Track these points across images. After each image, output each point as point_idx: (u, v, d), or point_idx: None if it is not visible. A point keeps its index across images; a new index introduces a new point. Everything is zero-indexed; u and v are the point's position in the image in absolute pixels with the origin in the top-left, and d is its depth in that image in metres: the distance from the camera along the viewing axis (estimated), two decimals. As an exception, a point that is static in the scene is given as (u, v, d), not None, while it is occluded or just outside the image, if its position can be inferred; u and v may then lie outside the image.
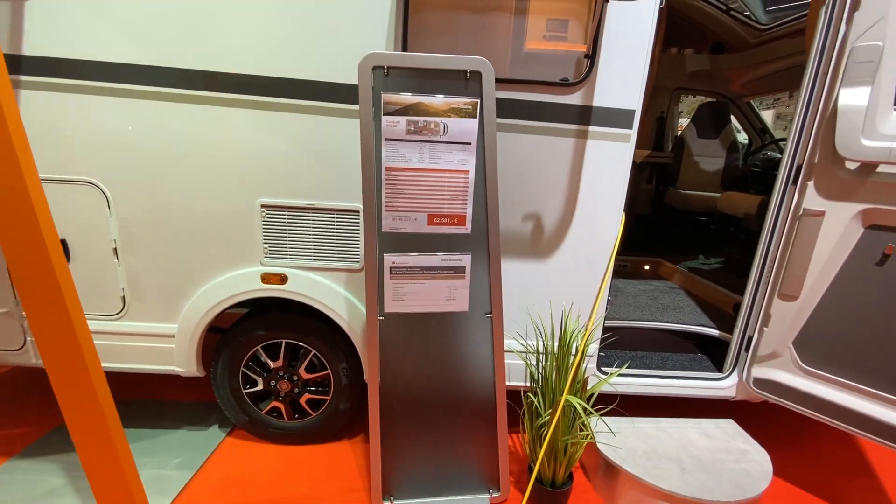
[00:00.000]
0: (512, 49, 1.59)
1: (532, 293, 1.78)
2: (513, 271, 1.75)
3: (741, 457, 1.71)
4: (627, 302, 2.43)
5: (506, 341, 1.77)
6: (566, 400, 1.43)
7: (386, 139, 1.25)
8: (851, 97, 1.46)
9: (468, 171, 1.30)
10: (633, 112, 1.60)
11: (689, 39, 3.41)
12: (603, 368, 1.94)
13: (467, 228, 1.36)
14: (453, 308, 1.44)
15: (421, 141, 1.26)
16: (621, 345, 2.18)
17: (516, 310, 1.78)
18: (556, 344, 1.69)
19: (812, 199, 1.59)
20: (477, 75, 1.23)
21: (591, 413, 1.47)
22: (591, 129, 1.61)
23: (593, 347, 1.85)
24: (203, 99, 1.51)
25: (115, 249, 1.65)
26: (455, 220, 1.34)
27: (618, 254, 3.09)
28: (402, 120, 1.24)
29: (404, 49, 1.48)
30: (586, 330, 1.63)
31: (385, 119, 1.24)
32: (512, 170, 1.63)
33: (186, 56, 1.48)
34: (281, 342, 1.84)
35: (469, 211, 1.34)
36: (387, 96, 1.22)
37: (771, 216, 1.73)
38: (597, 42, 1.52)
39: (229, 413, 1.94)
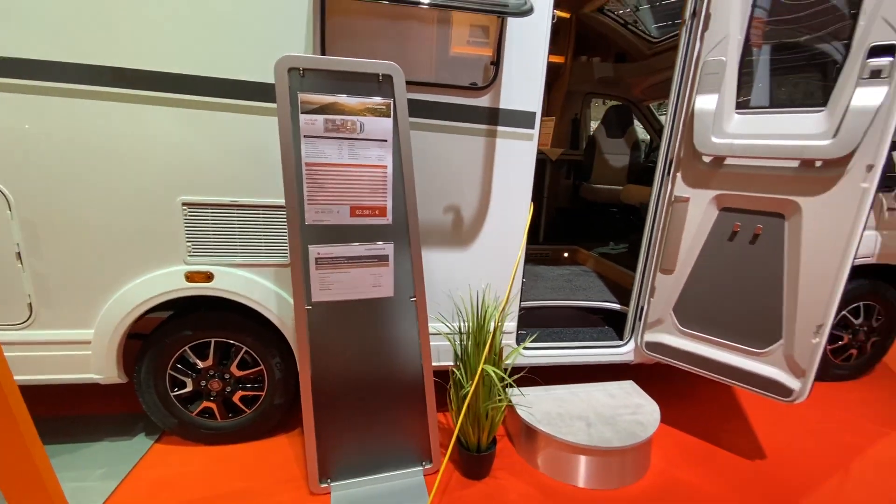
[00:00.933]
0: (430, 55, 1.74)
1: (456, 278, 1.94)
2: (438, 259, 1.90)
3: (636, 410, 1.99)
4: (546, 285, 2.69)
5: (434, 324, 1.91)
6: (483, 369, 1.60)
7: (305, 136, 1.33)
8: (704, 103, 1.77)
9: (386, 167, 1.42)
10: (534, 114, 1.81)
11: (597, 49, 3.79)
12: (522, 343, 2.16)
13: (388, 219, 1.48)
14: (379, 294, 1.55)
15: (339, 138, 1.36)
16: (539, 322, 2.42)
17: (442, 294, 1.93)
18: (494, 325, 1.86)
19: (680, 188, 1.90)
20: (389, 78, 1.36)
21: (506, 380, 1.66)
22: (500, 129, 1.80)
23: (511, 325, 2.05)
24: (115, 96, 1.49)
25: (19, 254, 1.56)
26: (376, 212, 1.46)
27: (540, 243, 3.39)
28: (320, 118, 1.33)
29: (322, 51, 1.57)
30: (501, 307, 1.82)
31: (303, 117, 1.32)
32: (433, 165, 1.78)
33: (93, 51, 1.45)
34: (210, 341, 1.84)
35: (389, 203, 1.46)
36: (303, 96, 1.30)
37: (653, 204, 2.04)
38: (500, 50, 1.71)
39: (157, 418, 1.89)
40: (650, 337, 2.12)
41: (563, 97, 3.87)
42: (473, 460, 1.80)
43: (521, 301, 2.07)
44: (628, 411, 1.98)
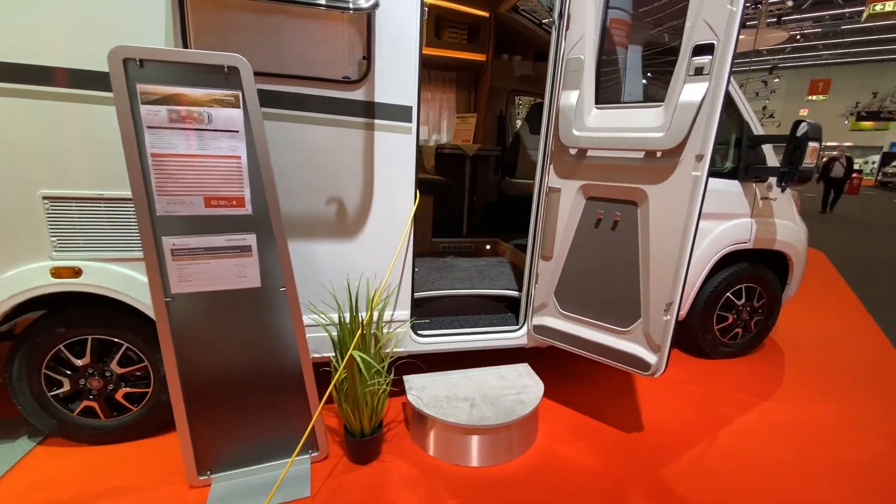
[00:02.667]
0: (302, 48, 1.76)
1: (343, 269, 1.98)
2: (324, 250, 1.93)
3: (522, 390, 2.10)
4: (457, 276, 2.77)
5: (316, 315, 1.94)
6: (352, 355, 1.65)
7: (148, 127, 1.34)
8: (567, 98, 1.89)
9: (240, 157, 1.44)
10: (410, 108, 1.87)
11: (517, 48, 3.91)
12: (420, 332, 2.22)
13: (248, 210, 1.50)
14: (245, 284, 1.57)
15: (187, 129, 1.37)
16: (444, 311, 2.50)
17: (329, 285, 1.97)
18: (363, 313, 1.91)
19: (552, 179, 2.01)
20: (235, 70, 1.38)
21: (374, 366, 1.71)
22: (377, 122, 1.85)
23: (402, 314, 2.11)
24: (-48, 86, 1.44)
25: None
26: (234, 203, 1.47)
27: (463, 236, 3.48)
28: (163, 109, 1.33)
29: (185, 44, 1.57)
30: (374, 296, 1.87)
31: (144, 108, 1.32)
32: (313, 157, 1.81)
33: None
34: (87, 338, 1.81)
35: (247, 193, 1.48)
36: (143, 87, 1.31)
37: (535, 195, 2.14)
38: (371, 45, 1.76)
39: (35, 420, 1.84)
40: (537, 321, 2.23)
41: (486, 95, 3.98)
42: (358, 445, 1.85)
43: (413, 290, 2.13)
44: (514, 392, 2.08)
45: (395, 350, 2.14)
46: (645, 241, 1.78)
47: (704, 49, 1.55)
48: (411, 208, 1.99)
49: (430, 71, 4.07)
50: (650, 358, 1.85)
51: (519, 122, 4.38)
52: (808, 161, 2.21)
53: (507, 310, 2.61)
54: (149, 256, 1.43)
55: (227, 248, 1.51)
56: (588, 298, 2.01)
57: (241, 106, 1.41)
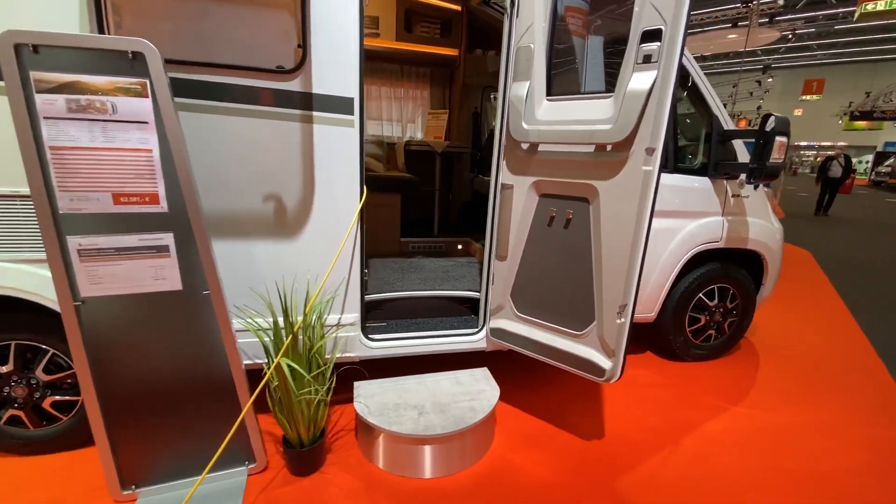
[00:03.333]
0: (232, 36, 1.67)
1: (283, 271, 1.88)
2: (263, 251, 1.83)
3: (476, 396, 2.00)
4: (419, 276, 2.67)
5: (254, 320, 1.84)
6: (282, 363, 1.55)
7: (45, 118, 1.23)
8: (518, 90, 1.79)
9: (151, 150, 1.34)
10: (352, 99, 1.77)
11: (491, 43, 3.81)
12: (372, 336, 2.12)
13: (163, 207, 1.40)
14: (164, 287, 1.47)
15: (89, 119, 1.27)
16: (402, 314, 2.40)
17: (267, 287, 1.87)
18: (302, 317, 1.81)
19: (505, 175, 1.92)
20: (141, 56, 1.28)
21: (302, 374, 1.60)
22: (316, 114, 1.75)
23: (350, 317, 2.01)
24: None
25: None
26: (146, 199, 1.37)
27: (435, 236, 3.38)
28: (60, 98, 1.23)
29: (101, 30, 1.47)
30: (311, 299, 1.77)
31: (40, 97, 1.22)
32: (248, 152, 1.71)
33: None
34: (9, 344, 1.70)
35: (161, 189, 1.38)
36: (37, 74, 1.21)
37: (491, 192, 2.05)
38: (306, 33, 1.66)
39: None
40: (494, 323, 2.14)
41: (460, 91, 3.88)
42: (296, 456, 1.74)
43: (364, 292, 2.03)
44: (467, 398, 1.98)
45: (344, 355, 2.05)
46: (597, 241, 1.69)
47: (653, 35, 1.45)
48: (356, 206, 1.89)
49: (403, 66, 3.97)
50: (605, 363, 1.76)
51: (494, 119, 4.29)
52: (777, 156, 2.12)
53: (471, 312, 2.51)
54: (52, 257, 1.33)
55: (141, 248, 1.41)
56: (544, 301, 1.92)
57: (150, 95, 1.31)
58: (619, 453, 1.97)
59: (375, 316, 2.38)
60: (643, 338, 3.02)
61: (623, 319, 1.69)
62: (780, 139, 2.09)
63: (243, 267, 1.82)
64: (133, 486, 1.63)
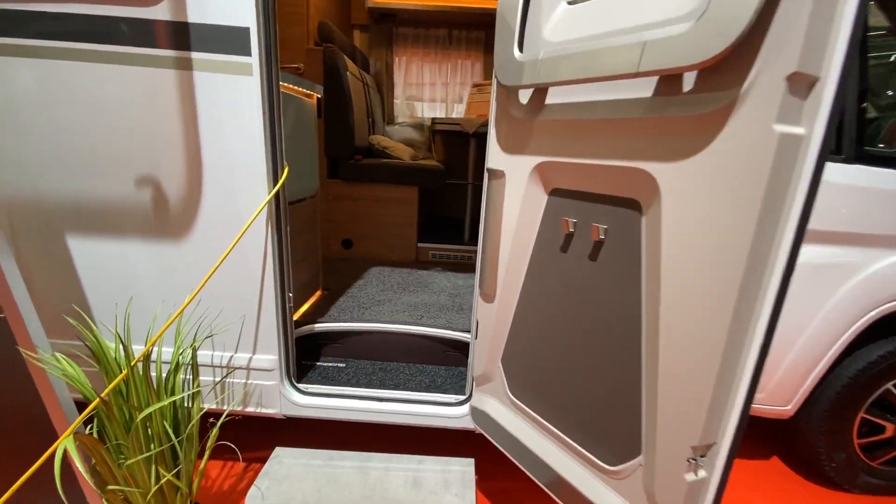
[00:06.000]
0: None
1: (169, 286, 1.32)
2: (144, 257, 1.30)
3: (431, 519, 1.22)
4: (415, 300, 1.94)
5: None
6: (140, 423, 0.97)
7: None
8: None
9: None
10: (247, 30, 1.12)
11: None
12: (303, 388, 1.48)
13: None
14: (-64, 304, 1.00)
15: None
16: (368, 352, 1.71)
17: (147, 309, 1.33)
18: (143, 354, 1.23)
19: (493, 154, 1.08)
20: None
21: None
22: (195, 56, 1.14)
23: (266, 358, 1.38)
24: None
25: None
26: None
27: (465, 243, 2.61)
28: None
29: None
30: (157, 335, 1.15)
31: None
32: (98, 114, 1.18)
33: None
34: None
35: None
36: None
37: (484, 186, 1.22)
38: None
39: None
40: (477, 400, 1.32)
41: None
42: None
43: (287, 322, 1.39)
44: (414, 520, 1.21)
45: (258, 410, 1.44)
46: (654, 292, 0.78)
47: None
48: (266, 194, 1.24)
49: (452, 30, 3.22)
50: (654, 545, 0.84)
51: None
52: None
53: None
54: None
55: None
56: (550, 384, 1.05)
57: None
58: None
59: (332, 352, 1.73)
60: (765, 428, 1.88)
61: (703, 474, 0.76)
62: None
63: (118, 278, 1.31)
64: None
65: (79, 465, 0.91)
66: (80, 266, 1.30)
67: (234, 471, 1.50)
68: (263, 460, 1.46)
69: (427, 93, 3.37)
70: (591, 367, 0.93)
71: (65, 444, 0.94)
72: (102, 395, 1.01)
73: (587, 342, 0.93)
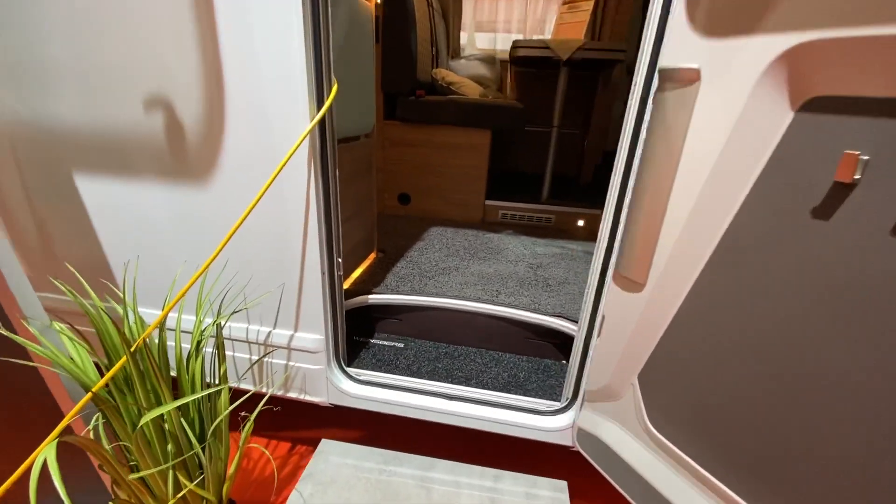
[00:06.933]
0: None
1: (191, 241, 1.04)
2: (162, 203, 1.02)
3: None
4: (484, 270, 1.58)
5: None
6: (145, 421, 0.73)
7: None
8: None
9: None
10: None
11: None
12: (354, 373, 1.19)
13: None
14: None
15: None
16: (431, 331, 1.39)
17: (162, 272, 1.06)
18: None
19: (677, 45, 0.63)
20: None
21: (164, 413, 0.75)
22: None
23: (312, 339, 1.09)
24: None
25: None
26: None
27: (542, 202, 2.17)
28: None
29: None
30: (175, 300, 0.85)
31: None
32: (91, 18, 0.85)
33: None
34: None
35: None
36: None
37: (635, 108, 0.78)
38: None
39: None
40: (587, 420, 0.95)
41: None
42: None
43: (337, 294, 1.08)
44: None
45: (301, 396, 1.17)
46: None
47: None
48: (308, 121, 0.88)
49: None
50: None
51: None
52: None
53: (562, 356, 1.35)
54: None
55: None
56: (748, 432, 0.66)
57: None
58: None
59: (388, 328, 1.43)
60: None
61: None
62: None
63: (132, 230, 1.05)
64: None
65: (56, 481, 0.67)
66: (89, 204, 1.05)
67: (276, 452, 1.27)
68: (307, 441, 1.22)
69: (502, 14, 2.80)
70: (863, 422, 0.52)
71: (44, 454, 0.69)
72: (94, 389, 0.75)
73: (866, 380, 0.52)
